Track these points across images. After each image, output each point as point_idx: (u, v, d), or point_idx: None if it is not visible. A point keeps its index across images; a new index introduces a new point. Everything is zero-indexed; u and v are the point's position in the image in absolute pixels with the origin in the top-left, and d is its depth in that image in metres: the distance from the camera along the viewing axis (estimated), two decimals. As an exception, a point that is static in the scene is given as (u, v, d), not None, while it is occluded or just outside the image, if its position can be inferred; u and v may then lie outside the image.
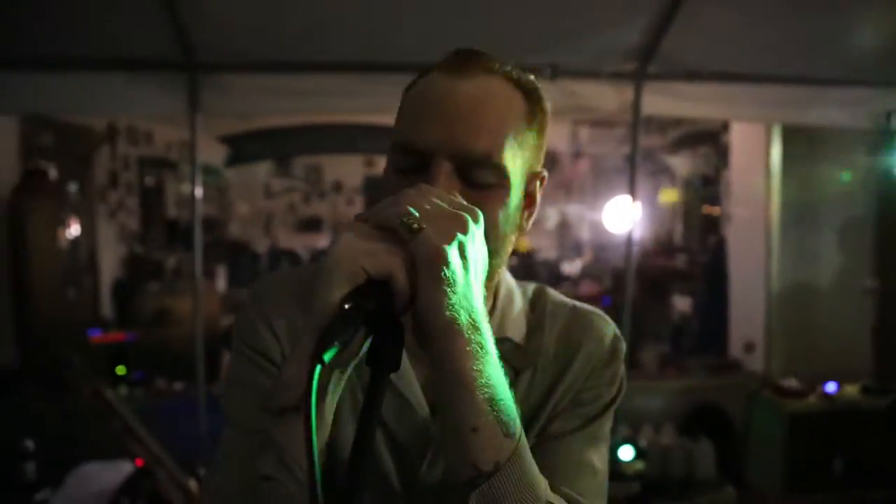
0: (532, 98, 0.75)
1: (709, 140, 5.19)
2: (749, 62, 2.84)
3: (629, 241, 3.16)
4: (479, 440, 0.59)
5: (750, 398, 3.67)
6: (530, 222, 0.79)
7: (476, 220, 0.61)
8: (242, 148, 3.84)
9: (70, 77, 2.76)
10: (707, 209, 5.43)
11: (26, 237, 4.09)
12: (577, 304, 0.88)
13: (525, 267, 6.67)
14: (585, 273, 5.91)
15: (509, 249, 0.76)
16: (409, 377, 0.76)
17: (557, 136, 6.29)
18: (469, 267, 0.59)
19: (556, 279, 5.85)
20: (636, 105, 2.92)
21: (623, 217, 3.33)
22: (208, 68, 2.84)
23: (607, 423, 0.83)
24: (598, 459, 0.79)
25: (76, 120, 5.45)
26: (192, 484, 2.48)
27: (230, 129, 3.95)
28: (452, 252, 0.57)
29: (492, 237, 0.68)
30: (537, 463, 0.73)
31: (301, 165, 8.40)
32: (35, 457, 2.71)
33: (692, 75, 2.86)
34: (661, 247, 5.99)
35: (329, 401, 0.61)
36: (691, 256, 5.47)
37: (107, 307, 5.32)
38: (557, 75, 2.86)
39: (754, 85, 2.92)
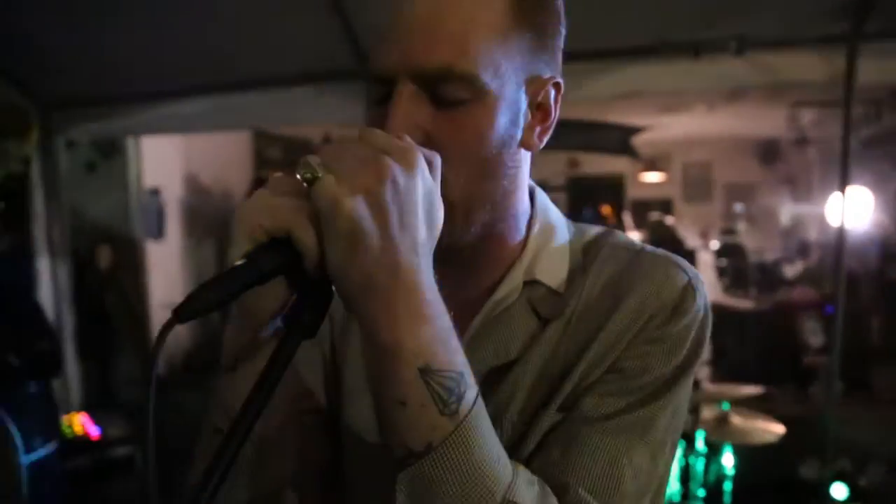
0: None
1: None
2: None
3: (840, 238, 2.65)
4: (407, 415, 0.52)
5: None
6: (544, 139, 0.67)
7: (409, 163, 0.52)
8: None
9: (270, 93, 3.12)
10: None
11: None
12: (649, 247, 0.71)
13: (734, 269, 5.99)
14: (806, 276, 5.10)
15: (512, 171, 0.66)
16: None
17: (771, 119, 5.53)
18: (390, 219, 0.50)
19: (770, 284, 5.14)
20: (850, 74, 2.43)
21: (846, 211, 2.78)
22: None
23: (665, 411, 0.63)
24: (645, 458, 0.62)
25: (298, 133, 6.19)
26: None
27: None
28: (355, 202, 0.49)
29: (475, 160, 0.61)
30: (558, 447, 0.62)
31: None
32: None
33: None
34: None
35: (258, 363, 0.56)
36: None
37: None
38: (746, 48, 2.50)
39: None
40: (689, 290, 0.65)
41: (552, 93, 0.66)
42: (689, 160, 8.56)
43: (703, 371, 3.35)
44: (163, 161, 4.52)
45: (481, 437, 0.53)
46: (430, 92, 0.59)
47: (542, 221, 0.71)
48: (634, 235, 5.73)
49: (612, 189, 8.12)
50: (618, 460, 0.60)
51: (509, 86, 0.61)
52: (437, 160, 0.57)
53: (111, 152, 4.39)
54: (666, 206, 8.11)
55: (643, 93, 2.71)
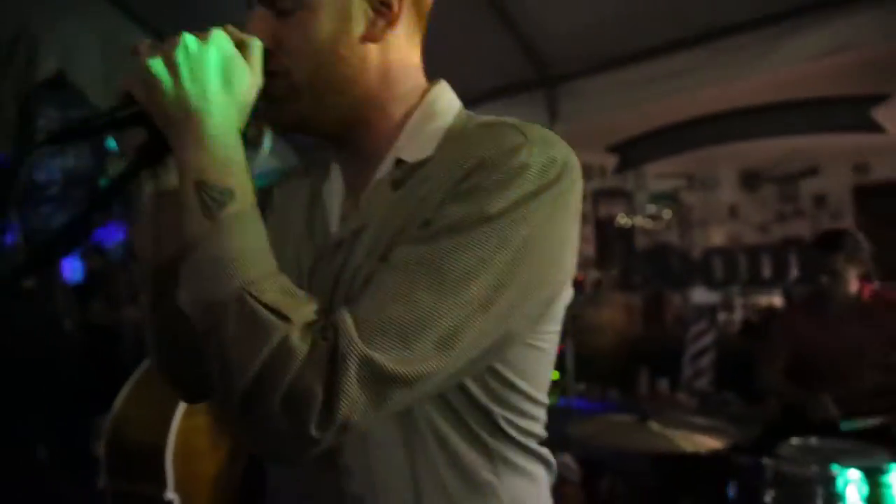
0: None
1: None
2: None
3: None
4: (186, 216, 0.68)
5: None
6: (390, 31, 0.78)
7: (202, 38, 0.69)
8: (629, 154, 3.82)
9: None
10: None
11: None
12: (512, 121, 0.74)
13: None
14: None
15: (354, 62, 0.77)
16: (332, 199, 0.85)
17: None
18: (181, 73, 0.67)
19: None
20: None
21: None
22: (563, 79, 3.01)
23: (460, 254, 0.66)
24: (427, 294, 0.65)
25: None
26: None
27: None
28: (153, 60, 0.68)
29: (309, 55, 0.75)
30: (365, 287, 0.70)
31: (771, 182, 7.62)
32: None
33: None
34: None
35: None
36: None
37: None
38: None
39: None
40: (520, 149, 0.69)
41: None
42: None
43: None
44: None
45: (231, 240, 0.66)
46: (272, 7, 0.76)
47: (424, 110, 0.80)
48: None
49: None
50: (391, 291, 0.66)
51: None
52: (254, 44, 0.74)
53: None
54: None
55: (854, 46, 2.24)
